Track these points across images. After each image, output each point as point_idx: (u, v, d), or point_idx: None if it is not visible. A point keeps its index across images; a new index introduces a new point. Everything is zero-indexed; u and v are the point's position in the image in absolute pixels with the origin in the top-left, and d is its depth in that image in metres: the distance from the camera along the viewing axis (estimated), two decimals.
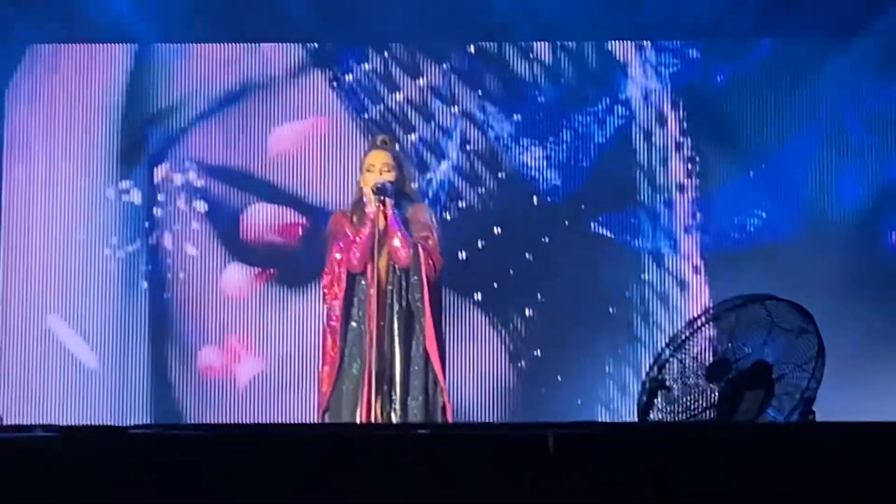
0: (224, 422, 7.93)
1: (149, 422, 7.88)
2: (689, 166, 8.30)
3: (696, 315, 5.79)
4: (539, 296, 8.21)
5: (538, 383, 8.15)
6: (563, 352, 8.13)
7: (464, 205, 8.28)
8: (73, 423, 7.64)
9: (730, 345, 5.46)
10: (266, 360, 8.19)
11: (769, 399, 5.42)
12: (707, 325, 5.51)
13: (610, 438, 4.00)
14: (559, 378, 8.12)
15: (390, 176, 6.15)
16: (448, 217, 8.21)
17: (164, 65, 8.36)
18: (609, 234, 8.28)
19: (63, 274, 8.24)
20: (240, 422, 7.93)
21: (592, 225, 8.29)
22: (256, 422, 7.90)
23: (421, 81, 8.36)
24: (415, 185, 6.65)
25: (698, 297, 8.15)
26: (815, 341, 5.41)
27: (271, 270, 8.28)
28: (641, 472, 3.85)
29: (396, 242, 6.09)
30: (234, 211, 8.32)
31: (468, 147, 8.34)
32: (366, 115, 8.34)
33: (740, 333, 5.46)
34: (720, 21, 8.16)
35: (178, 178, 8.33)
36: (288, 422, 7.77)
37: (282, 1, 8.12)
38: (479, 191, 8.31)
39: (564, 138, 8.32)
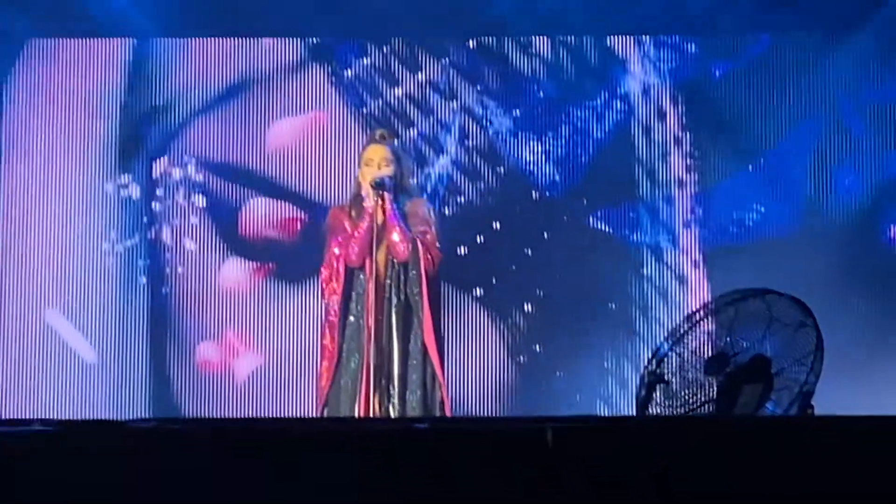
0: (223, 417, 7.92)
1: (147, 416, 7.88)
2: (689, 161, 8.30)
3: (694, 309, 5.80)
4: (538, 291, 8.21)
5: (538, 378, 8.15)
6: (563, 347, 8.13)
7: (463, 200, 8.28)
8: (71, 418, 7.66)
9: (728, 339, 5.46)
10: (265, 355, 8.19)
11: (768, 393, 5.42)
12: (706, 319, 5.51)
13: (609, 432, 4.00)
14: (559, 373, 8.12)
15: (389, 170, 6.15)
16: (447, 212, 8.21)
17: (163, 59, 8.36)
18: (608, 230, 8.27)
19: (61, 268, 8.24)
20: (239, 417, 7.93)
21: (592, 220, 8.28)
22: (255, 416, 7.89)
23: (420, 76, 8.36)
24: (413, 180, 6.66)
25: (698, 292, 8.15)
26: (813, 335, 5.41)
27: (270, 265, 8.28)
28: (640, 465, 3.85)
29: (395, 237, 6.09)
30: (232, 206, 8.31)
31: (467, 142, 8.33)
32: (365, 110, 8.34)
33: (739, 327, 5.46)
34: (719, 16, 8.16)
35: (176, 173, 8.32)
36: (287, 417, 7.77)
37: None
38: (479, 186, 8.30)
39: (564, 133, 8.31)
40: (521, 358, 8.20)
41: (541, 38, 8.35)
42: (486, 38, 8.37)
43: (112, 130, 8.33)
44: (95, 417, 7.75)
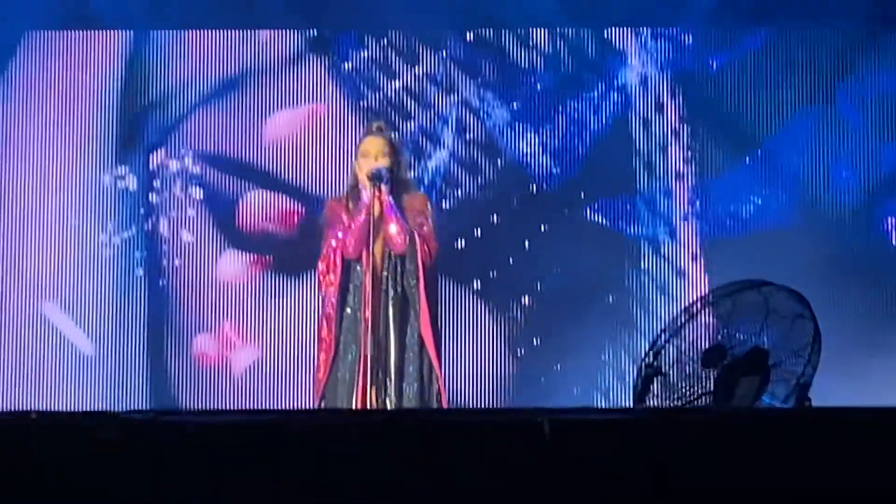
0: (220, 409, 7.92)
1: (144, 408, 7.87)
2: (687, 154, 8.29)
3: (692, 301, 5.80)
4: (537, 284, 8.20)
5: (536, 371, 8.15)
6: (561, 340, 8.13)
7: (461, 193, 8.27)
8: (67, 410, 7.66)
9: (726, 331, 5.46)
10: (262, 348, 8.19)
11: (765, 386, 5.42)
12: (703, 311, 5.51)
13: (606, 424, 4.00)
14: (557, 367, 8.11)
15: (385, 162, 6.15)
16: (445, 205, 8.20)
17: (161, 51, 8.35)
18: (607, 223, 8.27)
19: (59, 261, 8.23)
20: (236, 409, 7.93)
21: (590, 213, 8.28)
22: (252, 408, 7.89)
23: (418, 69, 8.35)
24: (410, 173, 6.65)
25: (696, 285, 8.15)
26: (811, 327, 5.40)
27: (267, 258, 8.28)
28: (637, 457, 3.85)
29: (392, 229, 6.09)
30: (230, 198, 8.30)
31: (466, 135, 8.32)
32: (363, 103, 8.33)
33: (736, 319, 5.46)
34: (717, 8, 8.15)
35: (174, 165, 8.32)
36: (284, 408, 7.77)
37: None
38: (477, 179, 8.29)
39: (562, 126, 8.31)
40: (520, 351, 8.20)
41: (539, 30, 8.34)
42: (484, 30, 8.36)
43: (109, 122, 8.32)
44: (92, 409, 7.75)
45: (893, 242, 8.22)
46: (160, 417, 4.07)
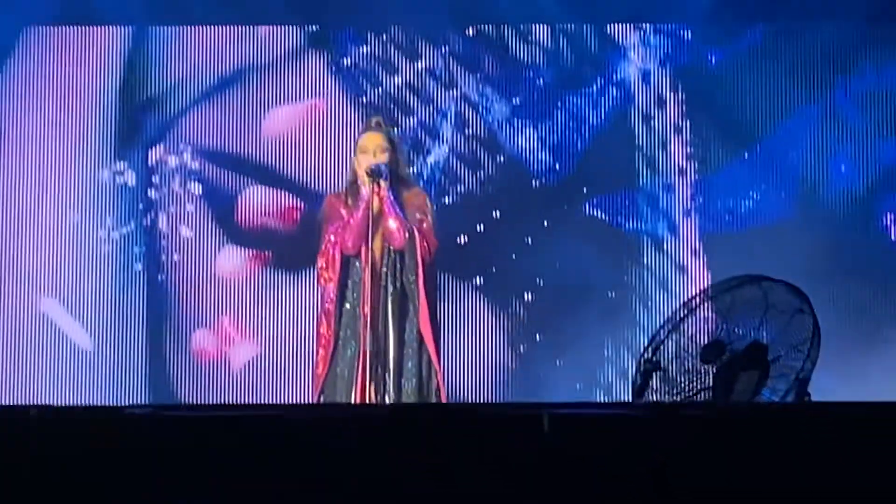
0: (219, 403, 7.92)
1: (144, 403, 7.87)
2: (689, 149, 8.29)
3: (691, 296, 5.80)
4: (538, 280, 8.20)
5: (538, 367, 8.14)
6: (563, 336, 8.12)
7: (462, 188, 8.27)
8: (68, 405, 7.66)
9: (725, 326, 5.46)
10: (262, 343, 8.19)
11: (764, 380, 5.42)
12: (702, 306, 5.51)
13: (605, 419, 4.00)
14: (558, 362, 8.11)
15: (384, 157, 6.15)
16: (447, 201, 8.20)
17: (161, 47, 8.34)
18: (608, 218, 8.27)
19: (57, 256, 8.23)
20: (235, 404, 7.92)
21: (591, 209, 8.27)
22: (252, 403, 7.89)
23: (419, 64, 8.34)
24: (410, 168, 6.65)
25: (697, 281, 8.14)
26: (810, 322, 5.40)
27: (267, 253, 8.27)
28: (636, 451, 3.85)
29: (392, 224, 6.09)
30: (229, 194, 8.30)
31: (467, 131, 8.32)
32: (364, 98, 8.33)
33: (735, 315, 5.46)
34: (717, 5, 8.15)
35: (172, 160, 8.31)
36: (283, 403, 7.76)
37: None
38: (478, 174, 8.29)
39: (564, 122, 8.30)
40: (521, 347, 8.20)
41: (540, 25, 8.34)
42: (485, 25, 8.36)
43: (108, 118, 8.31)
44: (91, 404, 7.75)
45: (892, 238, 8.22)
46: (159, 412, 4.08)
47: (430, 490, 3.82)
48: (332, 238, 6.14)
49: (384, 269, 6.12)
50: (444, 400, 6.13)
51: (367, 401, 5.91)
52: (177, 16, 8.27)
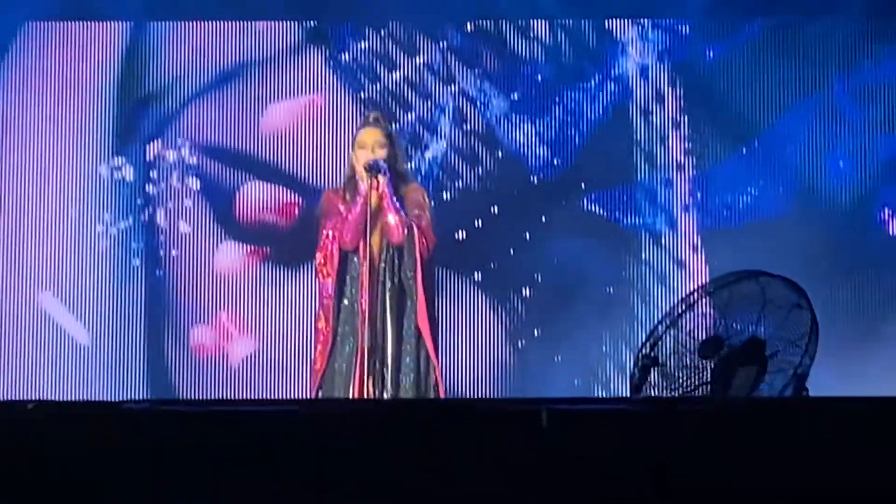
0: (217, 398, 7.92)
1: (142, 398, 7.87)
2: (688, 144, 8.29)
3: (689, 291, 5.80)
4: (537, 275, 8.20)
5: (536, 363, 8.14)
6: (562, 332, 8.12)
7: (461, 184, 8.27)
8: (65, 399, 7.66)
9: (723, 321, 5.46)
10: (260, 339, 8.19)
11: (762, 376, 5.42)
12: (700, 302, 5.51)
13: (603, 414, 4.00)
14: (557, 358, 8.11)
15: (382, 153, 6.15)
16: (446, 196, 8.20)
17: (159, 43, 8.34)
18: (607, 214, 8.27)
19: (55, 251, 8.23)
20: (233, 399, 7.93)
21: (590, 204, 8.27)
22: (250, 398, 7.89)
23: (418, 59, 8.34)
24: (408, 164, 6.65)
25: (696, 276, 8.14)
26: (808, 317, 5.40)
27: (265, 249, 8.27)
28: (634, 447, 3.85)
29: (391, 219, 6.09)
30: (228, 189, 8.30)
31: (466, 126, 8.32)
32: (362, 94, 8.32)
33: (733, 310, 5.46)
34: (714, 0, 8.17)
35: (171, 156, 8.31)
36: (281, 398, 7.76)
37: None
38: (477, 170, 8.29)
39: (562, 117, 8.30)
40: (520, 342, 8.20)
41: (539, 21, 8.33)
42: (484, 21, 8.36)
43: (107, 113, 8.31)
44: (89, 399, 7.75)
45: (890, 232, 8.22)
46: (157, 407, 4.08)
47: (427, 486, 3.82)
48: (331, 234, 6.14)
49: (382, 265, 6.12)
50: (442, 395, 6.14)
51: (365, 396, 5.91)
52: (175, 11, 8.27)
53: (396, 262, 6.13)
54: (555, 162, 8.28)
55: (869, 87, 8.22)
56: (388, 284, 6.10)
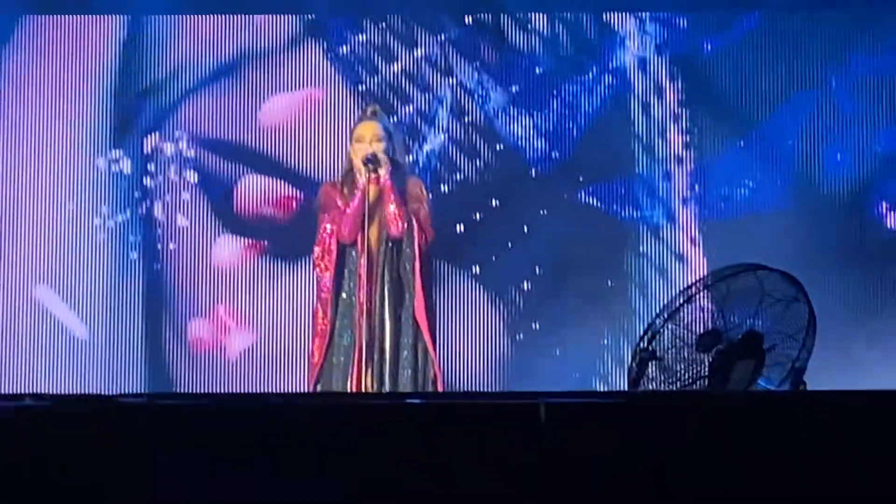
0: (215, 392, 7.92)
1: (140, 392, 7.87)
2: (687, 137, 8.29)
3: (687, 285, 5.80)
4: (536, 268, 8.20)
5: (536, 356, 8.14)
6: (561, 325, 8.12)
7: (461, 177, 8.27)
8: (63, 393, 7.66)
9: (721, 315, 5.46)
10: (258, 332, 8.19)
11: (760, 369, 5.43)
12: (698, 295, 5.51)
13: (602, 407, 4.01)
14: (557, 351, 8.11)
15: (380, 146, 6.16)
16: (445, 189, 8.19)
17: (157, 36, 8.33)
18: (606, 207, 8.26)
19: (52, 244, 8.22)
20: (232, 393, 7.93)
21: (589, 197, 8.27)
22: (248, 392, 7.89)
23: (417, 52, 8.34)
24: (407, 157, 6.66)
25: (696, 269, 8.14)
26: (805, 311, 5.41)
27: (264, 242, 8.27)
28: (632, 440, 3.85)
29: (392, 208, 6.10)
30: (226, 182, 8.30)
31: (465, 119, 8.32)
32: (361, 87, 8.32)
33: (731, 303, 5.46)
34: None
35: (169, 149, 8.31)
36: (280, 392, 7.76)
37: None
38: (476, 163, 8.29)
39: (561, 110, 8.30)
40: (519, 336, 8.20)
41: (538, 14, 8.33)
42: (483, 14, 8.35)
43: (104, 106, 8.30)
44: (87, 393, 7.75)
45: (888, 226, 8.22)
46: (154, 401, 4.08)
47: (424, 479, 3.82)
48: (329, 227, 6.15)
49: (381, 258, 6.13)
50: (440, 389, 6.14)
51: (363, 390, 5.91)
52: (173, 5, 8.26)
53: (395, 255, 6.14)
54: (553, 155, 8.28)
55: (867, 80, 8.22)
56: (387, 278, 6.11)
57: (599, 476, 3.81)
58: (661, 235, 8.25)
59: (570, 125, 8.29)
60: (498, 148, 8.29)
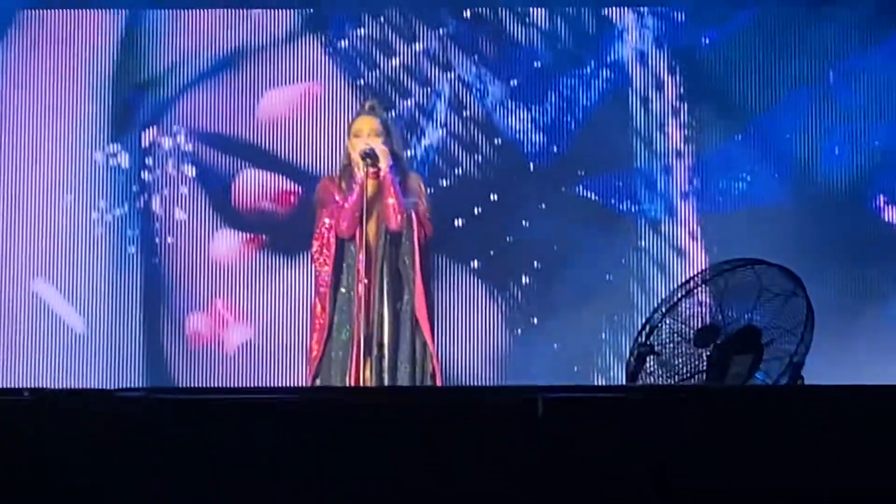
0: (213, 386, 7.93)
1: (137, 386, 7.87)
2: (686, 132, 8.28)
3: (685, 280, 5.81)
4: (535, 263, 8.20)
5: (534, 350, 8.14)
6: (560, 319, 8.12)
7: (460, 171, 8.27)
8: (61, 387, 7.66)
9: (719, 309, 5.46)
10: (256, 327, 8.19)
11: (758, 364, 5.43)
12: (697, 290, 5.52)
13: (599, 401, 4.01)
14: (556, 346, 8.11)
15: (378, 141, 6.17)
16: (444, 183, 8.19)
17: (155, 31, 8.33)
18: (605, 201, 8.26)
19: (50, 238, 8.22)
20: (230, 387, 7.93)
21: (589, 192, 8.27)
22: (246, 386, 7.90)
23: (416, 46, 8.33)
24: (406, 152, 6.66)
25: (695, 263, 8.14)
26: (803, 305, 5.41)
27: (262, 237, 8.27)
28: (630, 435, 3.85)
29: (391, 202, 6.11)
30: (224, 176, 8.30)
31: (464, 113, 8.31)
32: (360, 81, 8.32)
33: (729, 298, 5.46)
34: None
35: (167, 143, 8.30)
36: (277, 386, 7.77)
37: None
38: (475, 157, 8.29)
39: (560, 104, 8.30)
40: (518, 330, 8.20)
41: (538, 8, 8.33)
42: (483, 8, 8.35)
43: (103, 100, 8.30)
44: (85, 387, 7.76)
45: (885, 219, 8.22)
46: (153, 395, 4.08)
47: (422, 475, 3.83)
48: (327, 222, 6.16)
49: (379, 253, 6.13)
50: (439, 383, 6.14)
51: (362, 384, 5.92)
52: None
53: (394, 249, 6.14)
54: (553, 149, 8.28)
55: (865, 74, 8.21)
56: (386, 272, 6.11)
57: (597, 470, 3.82)
58: (660, 229, 8.25)
59: (569, 119, 8.29)
60: (497, 142, 8.29)
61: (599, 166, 8.25)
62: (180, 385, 8.01)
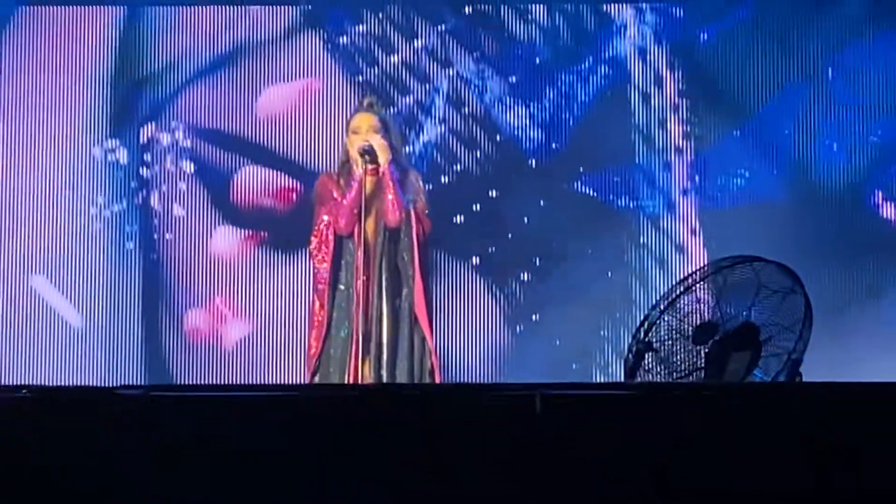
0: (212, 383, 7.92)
1: (136, 383, 7.88)
2: (686, 128, 8.28)
3: (684, 276, 5.80)
4: (536, 259, 8.20)
5: (535, 347, 8.14)
6: (560, 316, 8.12)
7: (460, 168, 8.26)
8: (60, 384, 7.67)
9: (717, 306, 5.46)
10: (255, 323, 8.19)
11: (756, 361, 5.43)
12: (695, 287, 5.52)
13: (596, 398, 4.01)
14: (556, 342, 8.11)
15: (376, 138, 6.17)
16: (444, 180, 8.19)
17: (154, 27, 8.33)
18: (605, 198, 8.26)
19: (48, 233, 8.22)
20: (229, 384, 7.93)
21: (589, 188, 8.27)
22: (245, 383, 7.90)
23: (416, 43, 8.33)
24: (405, 148, 6.66)
25: (696, 260, 8.14)
26: (801, 303, 5.41)
27: (261, 233, 8.27)
28: (628, 431, 3.85)
29: (390, 197, 6.11)
30: (223, 173, 8.29)
31: (464, 109, 8.31)
32: (360, 78, 8.31)
33: (728, 295, 5.46)
34: None
35: (165, 138, 8.30)
36: (276, 383, 7.77)
37: None
38: (475, 153, 8.29)
39: (560, 101, 8.29)
40: (518, 327, 8.20)
41: (537, 4, 8.32)
42: (483, 4, 8.35)
43: (101, 96, 8.30)
44: (84, 384, 7.76)
45: (882, 215, 8.21)
46: (152, 393, 4.08)
47: (421, 472, 3.83)
48: (326, 218, 6.16)
49: (378, 250, 6.13)
50: (438, 380, 6.15)
51: (361, 381, 5.92)
52: None
53: (392, 246, 6.14)
54: (553, 145, 8.28)
55: (863, 70, 8.21)
56: (384, 269, 6.11)
57: (595, 466, 3.82)
58: (660, 226, 8.25)
59: (569, 115, 8.28)
60: (497, 139, 8.29)
61: (599, 163, 8.25)
62: (179, 381, 8.00)
